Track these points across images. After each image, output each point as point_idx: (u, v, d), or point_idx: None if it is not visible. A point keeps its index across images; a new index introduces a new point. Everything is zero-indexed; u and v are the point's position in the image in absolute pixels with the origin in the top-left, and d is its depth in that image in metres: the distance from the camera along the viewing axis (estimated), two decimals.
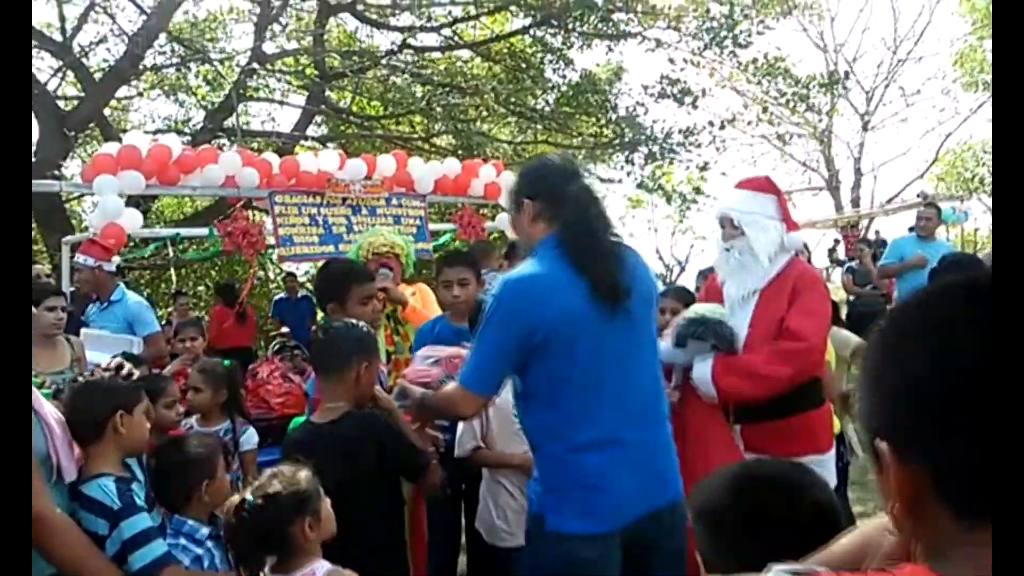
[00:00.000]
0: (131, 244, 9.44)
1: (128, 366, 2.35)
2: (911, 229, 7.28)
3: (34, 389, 2.07)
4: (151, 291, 12.28)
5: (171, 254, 8.00)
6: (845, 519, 1.31)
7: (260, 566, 1.97)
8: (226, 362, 3.39)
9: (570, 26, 10.98)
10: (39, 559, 1.93)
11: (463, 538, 3.71)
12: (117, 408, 2.19)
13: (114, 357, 2.61)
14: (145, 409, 2.30)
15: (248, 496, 1.98)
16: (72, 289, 4.88)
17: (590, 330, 2.10)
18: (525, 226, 2.28)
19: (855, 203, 21.46)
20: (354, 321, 2.56)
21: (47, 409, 2.05)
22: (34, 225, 10.46)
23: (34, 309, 3.43)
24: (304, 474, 2.07)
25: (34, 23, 9.84)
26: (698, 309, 3.03)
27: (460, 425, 3.20)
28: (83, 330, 4.02)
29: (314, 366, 2.61)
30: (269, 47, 11.30)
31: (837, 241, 15.64)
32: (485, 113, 12.00)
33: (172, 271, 10.18)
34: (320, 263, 4.45)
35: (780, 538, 1.21)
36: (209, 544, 2.29)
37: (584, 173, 2.31)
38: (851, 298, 8.37)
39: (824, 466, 2.80)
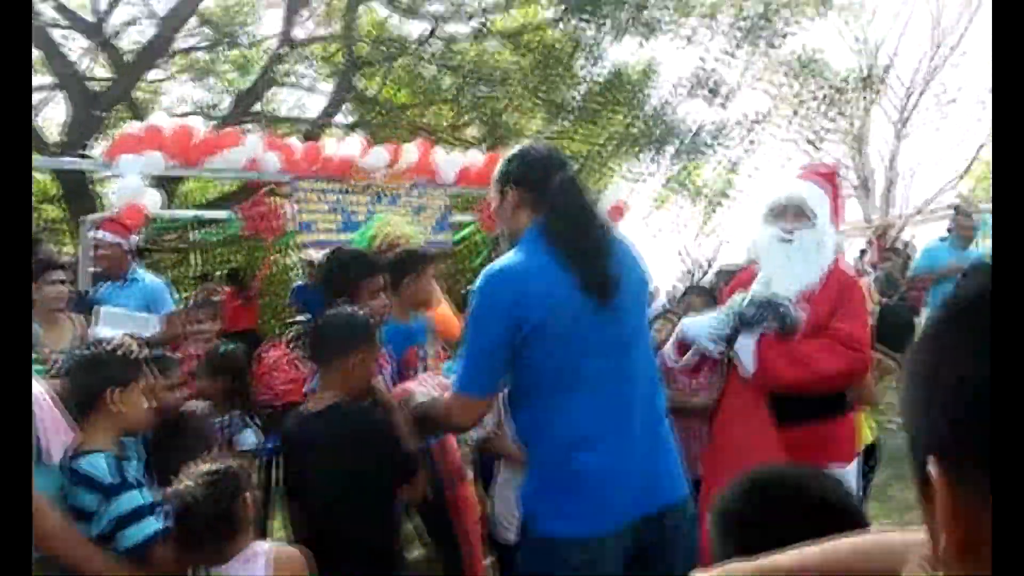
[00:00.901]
0: (154, 225, 9.49)
1: (129, 343, 2.30)
2: (943, 239, 7.10)
3: None
4: (175, 274, 12.35)
5: (192, 237, 8.02)
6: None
7: (212, 551, 1.98)
8: (231, 346, 3.35)
9: (601, 19, 10.85)
10: None
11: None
12: (111, 384, 2.16)
13: (124, 336, 2.57)
14: (145, 388, 2.26)
15: (189, 483, 1.99)
16: (92, 269, 4.86)
17: (578, 324, 2.02)
18: (508, 214, 2.20)
19: (887, 209, 21.11)
20: (356, 310, 2.50)
21: (34, 388, 2.02)
22: (61, 204, 10.57)
23: (35, 283, 3.42)
24: (231, 460, 2.12)
25: (67, 3, 9.92)
26: (751, 294, 2.84)
27: None
28: (101, 308, 4.00)
29: (311, 354, 2.55)
30: (299, 33, 11.30)
31: (863, 251, 15.39)
32: (513, 104, 11.90)
33: (196, 254, 10.20)
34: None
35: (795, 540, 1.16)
36: None
37: (569, 163, 2.22)
38: (876, 308, 8.19)
39: (844, 478, 2.69)
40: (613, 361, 2.06)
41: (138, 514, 2.09)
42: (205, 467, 2.02)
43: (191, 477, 2.00)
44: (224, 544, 1.99)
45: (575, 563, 2.00)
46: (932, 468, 0.62)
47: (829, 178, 2.99)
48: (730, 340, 2.87)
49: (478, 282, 2.12)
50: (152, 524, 2.11)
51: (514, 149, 2.34)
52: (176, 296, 9.95)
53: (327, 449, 2.27)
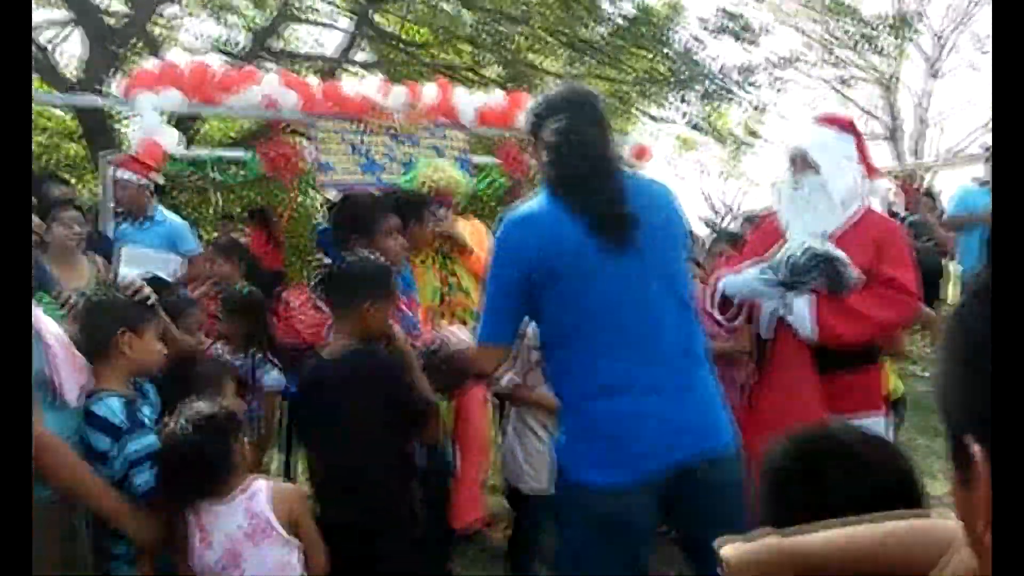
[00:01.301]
0: (173, 165, 9.45)
1: (141, 285, 2.29)
2: (978, 181, 6.90)
3: (35, 308, 2.03)
4: (197, 215, 12.36)
5: (214, 177, 7.97)
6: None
7: (204, 491, 2.02)
8: (244, 290, 3.33)
9: None
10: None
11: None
12: (123, 328, 2.16)
13: (136, 277, 2.56)
14: (157, 330, 2.25)
15: (183, 423, 2.01)
16: (113, 207, 4.84)
17: (594, 267, 1.98)
18: (537, 164, 2.23)
19: (916, 153, 20.64)
20: (372, 256, 2.47)
21: (48, 329, 2.01)
22: (82, 142, 10.54)
23: (47, 223, 3.41)
24: (225, 401, 2.15)
25: None
26: (810, 243, 2.76)
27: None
28: (124, 248, 3.99)
29: (327, 299, 2.52)
30: None
31: (891, 190, 15.06)
32: (535, 43, 11.62)
33: (217, 194, 10.17)
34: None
35: (842, 501, 1.12)
36: None
37: (576, 103, 2.15)
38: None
39: (879, 427, 2.67)
40: (634, 306, 2.01)
41: (150, 457, 2.11)
42: (196, 409, 2.03)
43: (183, 419, 2.02)
44: (213, 485, 2.03)
45: (599, 511, 1.98)
46: (973, 449, 0.56)
47: (844, 125, 2.90)
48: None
49: (497, 232, 2.13)
50: None
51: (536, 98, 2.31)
52: (200, 236, 10.01)
53: (341, 394, 2.28)
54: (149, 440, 2.11)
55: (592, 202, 2.01)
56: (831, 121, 2.92)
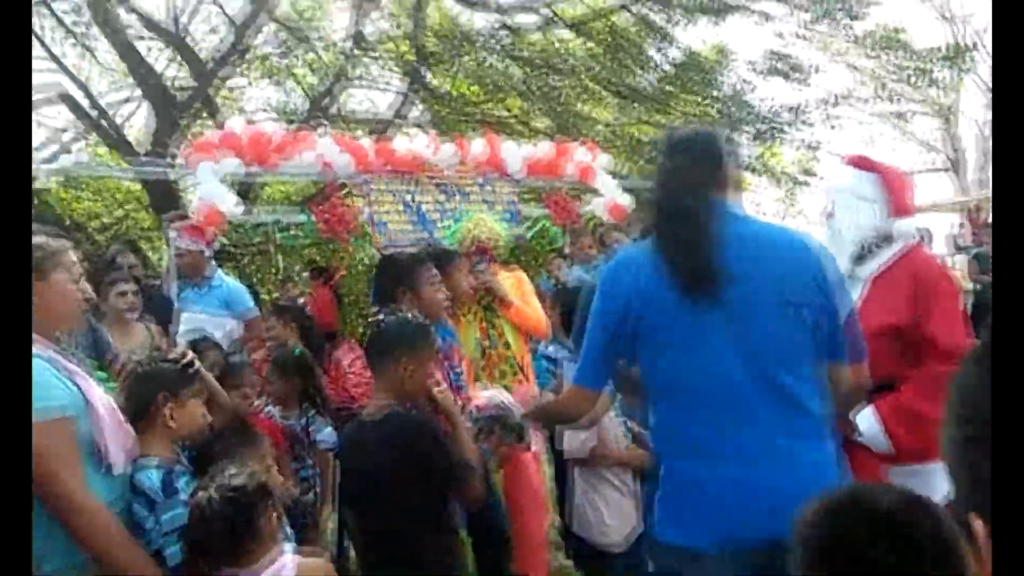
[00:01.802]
0: (240, 231, 9.75)
1: (190, 355, 2.33)
2: None
3: (87, 377, 2.09)
4: (259, 276, 12.70)
5: (277, 239, 8.20)
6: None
7: (227, 561, 1.99)
8: (296, 351, 3.39)
9: (672, 1, 10.60)
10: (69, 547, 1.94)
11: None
12: (165, 395, 2.19)
13: (194, 344, 2.62)
14: (201, 396, 2.28)
15: (212, 492, 2.00)
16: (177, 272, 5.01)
17: (675, 321, 1.88)
18: None
19: (981, 184, 20.04)
20: (411, 316, 2.46)
21: (96, 395, 2.06)
22: (150, 212, 10.99)
23: (103, 292, 3.53)
24: (259, 468, 2.14)
25: (146, 11, 10.29)
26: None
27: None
28: (183, 314, 4.12)
29: (367, 360, 2.54)
30: (368, 30, 11.42)
31: (961, 225, 14.65)
32: (583, 94, 11.76)
33: (279, 256, 10.45)
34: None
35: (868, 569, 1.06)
36: None
37: (682, 145, 2.03)
38: (976, 287, 7.78)
39: (930, 476, 2.44)
40: (720, 364, 1.87)
41: (182, 528, 2.10)
42: (225, 477, 2.03)
43: (212, 486, 2.02)
44: (240, 556, 2.01)
45: (675, 572, 1.92)
46: (975, 525, 0.55)
47: (865, 165, 2.78)
48: None
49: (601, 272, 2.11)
50: None
51: None
52: (260, 298, 10.22)
53: (377, 456, 2.26)
54: (181, 513, 2.10)
55: (676, 250, 1.91)
56: (854, 162, 2.81)
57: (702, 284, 1.86)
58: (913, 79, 12.32)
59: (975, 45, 14.74)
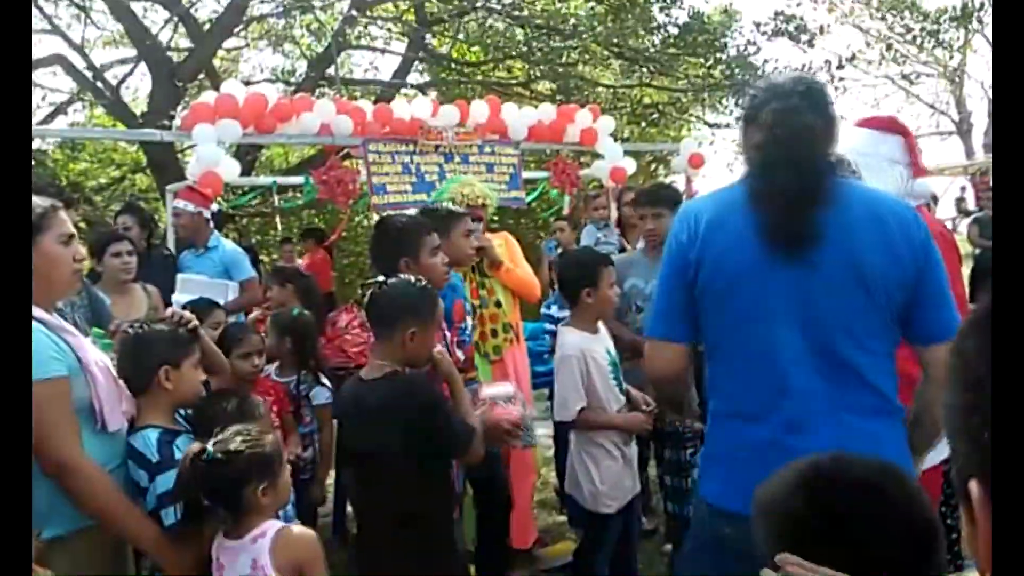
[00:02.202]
0: (238, 192, 9.71)
1: (185, 315, 2.31)
2: None
3: (80, 336, 2.07)
4: (259, 238, 12.69)
5: (275, 202, 8.20)
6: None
7: (206, 520, 1.97)
8: (295, 311, 3.39)
9: None
10: (74, 509, 1.94)
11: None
12: (162, 363, 2.16)
13: (194, 305, 2.60)
14: (197, 360, 2.25)
15: (209, 447, 1.95)
16: (176, 236, 5.01)
17: (751, 276, 1.77)
18: (745, 151, 1.98)
19: (987, 148, 19.88)
20: (415, 280, 2.43)
21: (92, 357, 2.04)
22: (149, 173, 10.95)
23: (99, 257, 3.51)
24: (270, 438, 2.06)
25: None
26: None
27: (558, 387, 3.07)
28: (179, 275, 4.10)
29: (369, 322, 2.51)
30: None
31: (964, 189, 14.55)
32: (586, 56, 11.62)
33: (277, 219, 10.45)
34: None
35: (860, 557, 1.03)
36: None
37: (798, 92, 1.82)
38: (977, 251, 7.74)
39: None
40: (791, 328, 1.76)
41: None
42: (224, 440, 1.99)
43: (209, 446, 1.98)
44: (229, 524, 1.99)
45: (713, 529, 1.88)
46: (973, 490, 0.54)
47: (886, 125, 2.73)
48: None
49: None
50: None
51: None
52: (261, 260, 10.20)
53: (375, 417, 2.25)
54: None
55: (774, 199, 1.76)
56: (872, 123, 2.76)
57: (791, 243, 1.75)
58: (920, 40, 12.17)
59: (982, 5, 14.50)
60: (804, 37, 10.88)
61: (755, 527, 1.16)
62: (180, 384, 2.20)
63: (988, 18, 16.74)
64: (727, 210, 1.83)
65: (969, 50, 17.12)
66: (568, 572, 3.47)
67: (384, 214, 4.35)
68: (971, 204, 12.65)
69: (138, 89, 13.30)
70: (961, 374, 0.54)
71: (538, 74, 12.03)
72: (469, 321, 3.29)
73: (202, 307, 3.04)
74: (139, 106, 11.05)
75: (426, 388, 2.35)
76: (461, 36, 12.25)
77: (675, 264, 1.88)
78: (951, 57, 17.39)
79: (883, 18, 12.05)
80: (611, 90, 12.61)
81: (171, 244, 4.98)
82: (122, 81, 11.66)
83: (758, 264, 1.76)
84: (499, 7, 11.24)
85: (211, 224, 4.61)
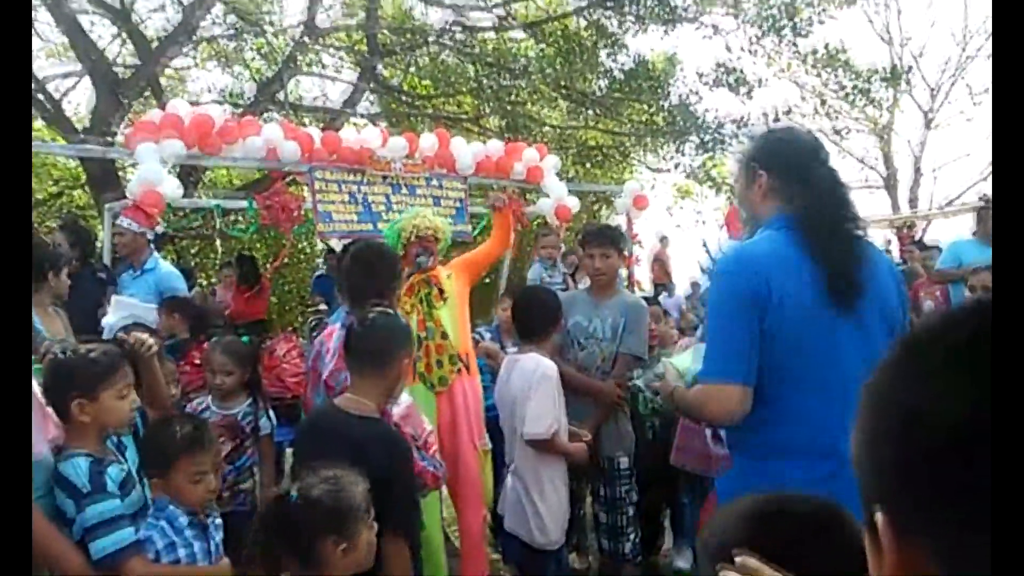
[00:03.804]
0: (180, 213, 9.53)
1: (148, 341, 2.26)
2: (974, 233, 6.96)
3: None
4: (198, 261, 12.45)
5: (217, 225, 8.08)
6: None
7: (277, 568, 1.81)
8: (244, 339, 3.35)
9: (626, 8, 10.75)
10: None
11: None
12: (76, 394, 2.08)
13: (125, 328, 2.56)
14: (121, 388, 2.16)
15: (293, 492, 1.82)
16: (113, 255, 4.91)
17: (814, 325, 1.89)
18: (754, 199, 2.08)
19: (913, 203, 20.79)
20: (393, 312, 2.42)
21: None
22: (87, 189, 10.69)
23: (49, 277, 3.41)
24: (361, 489, 1.90)
25: None
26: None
27: (534, 403, 3.08)
28: (113, 297, 4.02)
29: (351, 360, 2.40)
30: (322, 20, 11.30)
31: (889, 242, 15.15)
32: (535, 95, 11.84)
33: (218, 242, 10.29)
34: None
35: None
36: (188, 534, 2.20)
37: (827, 152, 2.07)
38: None
39: None
40: (840, 373, 1.85)
41: (112, 523, 2.02)
42: (316, 488, 1.84)
43: (301, 487, 1.84)
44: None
45: None
46: (878, 518, 0.56)
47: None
48: None
49: (719, 265, 2.04)
50: (127, 534, 2.04)
51: (771, 130, 2.20)
52: (200, 285, 9.98)
53: (357, 453, 2.20)
54: (110, 506, 2.02)
55: (835, 258, 1.92)
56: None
57: (849, 295, 1.91)
58: (852, 97, 12.76)
59: (910, 68, 15.30)
60: (743, 89, 11.29)
61: (700, 562, 1.19)
62: (100, 415, 2.12)
63: (916, 80, 17.62)
64: (788, 260, 1.94)
65: (897, 109, 17.99)
66: None
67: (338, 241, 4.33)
68: (896, 256, 13.21)
69: (80, 104, 13.01)
70: (872, 408, 0.58)
71: (487, 110, 12.21)
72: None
73: (134, 332, 2.97)
74: (81, 121, 10.80)
75: (403, 440, 2.34)
76: (412, 69, 12.36)
77: (745, 306, 1.92)
78: (880, 115, 18.24)
79: (818, 74, 12.59)
80: (557, 130, 12.86)
81: (107, 261, 4.88)
82: (64, 94, 11.42)
83: (823, 312, 1.90)
84: (451, 43, 11.41)
85: (151, 245, 4.54)
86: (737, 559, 1.05)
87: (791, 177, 2.02)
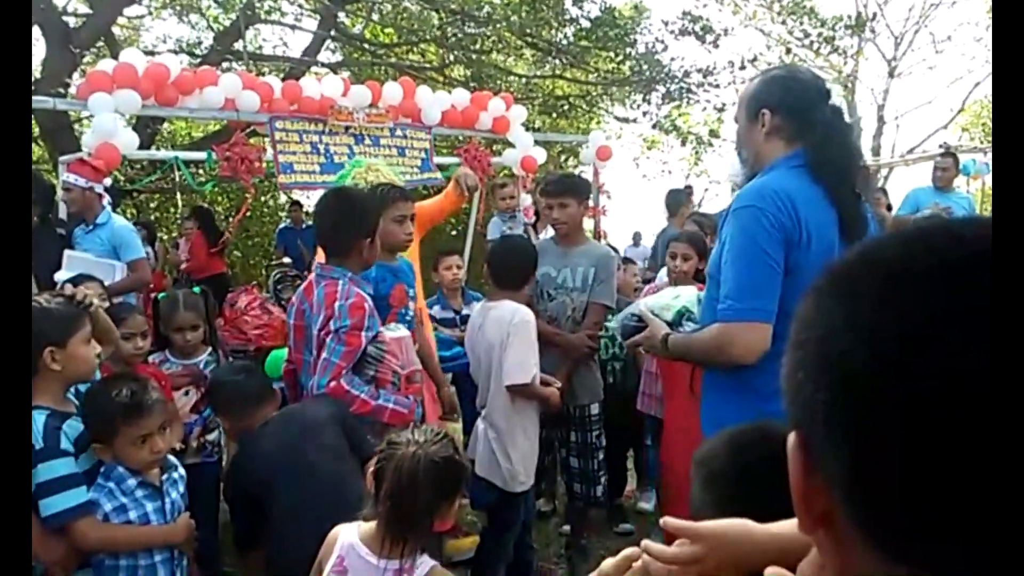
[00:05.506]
0: (138, 167, 9.29)
1: (83, 292, 2.24)
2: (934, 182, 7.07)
3: None
4: (159, 215, 12.23)
5: (177, 178, 7.92)
6: None
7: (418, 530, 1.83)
8: (196, 289, 3.31)
9: None
10: None
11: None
12: (46, 343, 2.07)
13: (72, 280, 2.52)
14: (87, 337, 2.17)
15: (429, 449, 1.81)
16: (66, 211, 4.81)
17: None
18: (757, 139, 2.08)
19: (875, 151, 21.01)
20: None
21: None
22: (40, 143, 10.38)
23: None
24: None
25: None
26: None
27: (514, 350, 3.07)
28: (66, 252, 3.94)
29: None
30: None
31: None
32: (500, 44, 11.67)
33: (178, 196, 10.10)
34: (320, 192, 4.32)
35: (769, 498, 1.13)
36: (139, 494, 2.18)
37: (831, 93, 2.08)
38: None
39: None
40: None
41: (63, 483, 2.01)
42: (444, 446, 1.86)
43: (426, 446, 1.84)
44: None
45: None
46: (789, 440, 0.58)
47: None
48: None
49: (742, 200, 2.00)
50: (79, 494, 2.03)
51: (775, 70, 2.19)
52: (161, 239, 9.82)
53: (316, 418, 2.26)
54: (62, 465, 2.00)
55: (849, 198, 1.98)
56: None
57: (862, 236, 1.94)
58: (817, 46, 12.77)
59: (874, 16, 15.30)
60: (709, 38, 11.22)
61: (692, 479, 1.26)
62: (69, 363, 2.12)
63: (880, 28, 17.64)
64: (813, 198, 1.97)
65: (861, 57, 18.04)
66: (468, 566, 3.49)
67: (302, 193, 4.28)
68: None
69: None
70: (795, 327, 0.58)
71: (452, 59, 12.02)
72: (412, 306, 3.26)
73: (81, 285, 2.91)
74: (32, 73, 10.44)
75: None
76: (375, 17, 12.09)
77: (775, 242, 1.91)
78: (844, 63, 18.29)
79: (784, 22, 12.58)
80: (523, 80, 12.71)
81: (64, 218, 4.78)
82: None
83: (836, 254, 1.93)
84: None
85: (103, 200, 4.43)
86: (661, 522, 1.10)
87: (796, 116, 2.02)
